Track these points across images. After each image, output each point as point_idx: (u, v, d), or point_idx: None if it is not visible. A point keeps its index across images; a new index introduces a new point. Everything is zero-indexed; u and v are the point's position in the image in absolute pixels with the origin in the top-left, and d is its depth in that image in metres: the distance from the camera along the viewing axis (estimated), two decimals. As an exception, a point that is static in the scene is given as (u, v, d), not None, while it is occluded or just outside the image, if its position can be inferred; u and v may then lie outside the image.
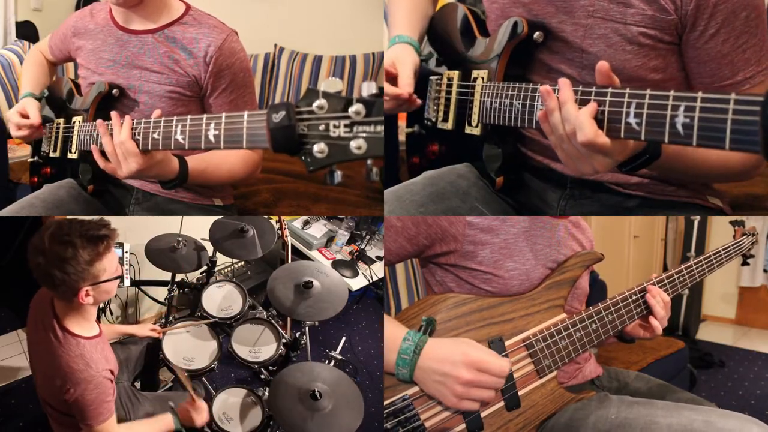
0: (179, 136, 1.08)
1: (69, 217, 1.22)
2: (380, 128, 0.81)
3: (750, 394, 3.06)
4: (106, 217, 1.24)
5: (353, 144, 0.81)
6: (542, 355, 1.08)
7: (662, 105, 0.76)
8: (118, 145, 1.17)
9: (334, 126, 0.83)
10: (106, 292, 1.23)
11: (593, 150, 0.87)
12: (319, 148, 0.84)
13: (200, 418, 1.45)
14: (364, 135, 0.81)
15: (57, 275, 1.13)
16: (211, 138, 1.02)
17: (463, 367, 0.95)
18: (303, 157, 0.87)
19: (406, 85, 1.18)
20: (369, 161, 0.83)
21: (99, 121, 1.21)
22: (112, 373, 1.26)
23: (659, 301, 1.16)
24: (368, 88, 0.81)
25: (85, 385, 1.17)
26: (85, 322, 1.25)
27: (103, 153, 1.24)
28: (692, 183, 1.17)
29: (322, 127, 0.84)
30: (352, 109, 0.81)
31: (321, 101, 0.83)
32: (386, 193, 1.21)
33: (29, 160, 1.62)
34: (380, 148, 0.81)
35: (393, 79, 1.20)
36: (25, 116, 1.47)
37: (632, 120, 0.81)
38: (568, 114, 0.88)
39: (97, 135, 1.26)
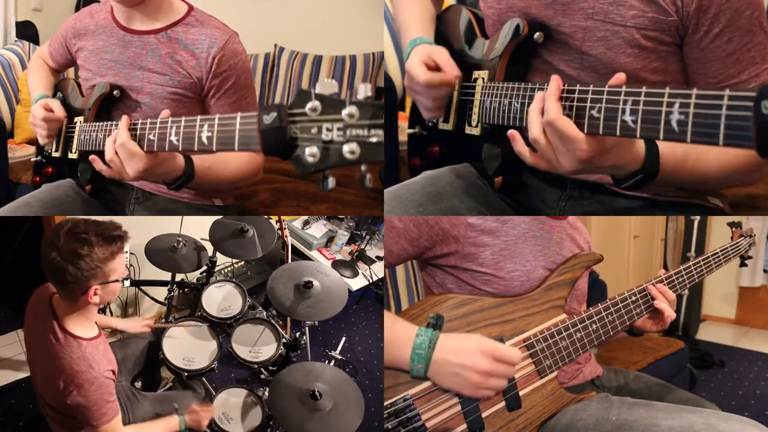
0: (173, 138, 1.07)
1: (83, 217, 1.23)
2: (374, 132, 0.77)
3: (750, 394, 3.06)
4: (114, 218, 1.25)
5: (346, 148, 0.78)
6: (543, 356, 1.08)
7: (658, 102, 0.76)
8: (119, 147, 1.15)
9: (327, 129, 0.80)
10: (112, 292, 1.24)
11: (556, 133, 0.88)
12: (310, 152, 0.80)
13: (207, 421, 1.49)
14: (357, 139, 0.78)
15: (70, 271, 1.14)
16: (204, 140, 1.00)
17: (479, 357, 0.97)
18: (295, 162, 0.83)
19: (452, 68, 1.19)
20: (363, 167, 0.79)
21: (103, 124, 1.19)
22: (113, 373, 1.26)
23: (663, 300, 1.19)
24: (364, 91, 0.78)
25: (88, 387, 1.17)
26: (86, 322, 1.26)
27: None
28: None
29: (314, 130, 0.81)
30: (345, 112, 0.77)
31: (314, 103, 0.80)
32: (386, 193, 1.21)
33: (33, 159, 1.62)
34: (376, 154, 0.78)
35: (434, 69, 1.20)
36: (49, 110, 1.47)
37: (628, 117, 0.81)
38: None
39: (101, 138, 1.26)
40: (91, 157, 1.26)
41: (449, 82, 1.19)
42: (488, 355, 0.97)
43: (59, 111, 1.47)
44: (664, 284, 1.23)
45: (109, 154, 1.18)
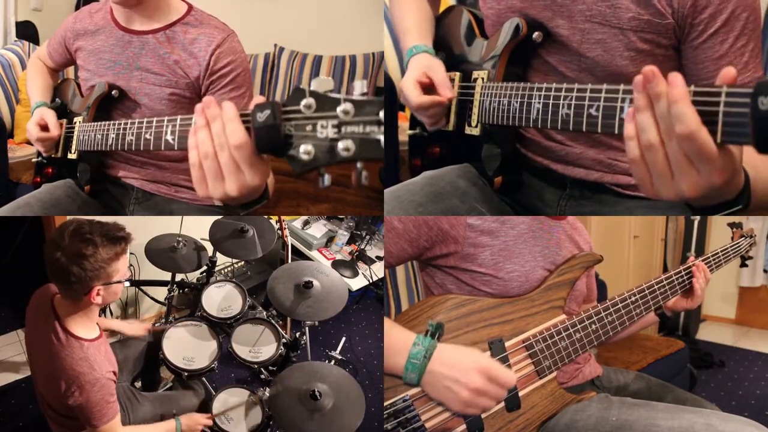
0: (169, 137, 1.07)
1: (87, 217, 1.23)
2: (370, 129, 0.76)
3: (750, 394, 3.06)
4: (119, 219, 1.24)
5: (341, 145, 0.77)
6: (542, 356, 1.08)
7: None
8: (234, 148, 0.83)
9: (322, 126, 0.78)
10: (114, 293, 1.24)
11: (693, 149, 0.69)
12: (305, 150, 0.79)
13: (201, 427, 1.51)
14: (352, 136, 0.77)
15: (74, 271, 1.14)
16: None
17: (474, 374, 0.95)
18: (289, 160, 0.82)
19: (445, 89, 1.19)
20: (359, 164, 0.78)
21: (200, 107, 0.86)
22: (114, 374, 1.26)
23: (703, 279, 1.29)
24: (359, 87, 0.77)
25: (90, 388, 1.18)
26: (88, 323, 1.26)
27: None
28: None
29: (309, 128, 0.79)
30: (340, 109, 0.76)
31: (309, 100, 0.78)
32: (386, 193, 1.21)
33: (34, 160, 1.62)
34: (372, 151, 0.77)
35: (428, 88, 1.20)
36: (44, 127, 1.48)
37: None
38: (663, 109, 0.71)
39: (100, 138, 1.24)
40: (192, 154, 0.87)
41: (441, 104, 1.19)
42: (484, 373, 0.96)
43: (54, 129, 1.48)
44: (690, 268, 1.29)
45: (207, 146, 0.85)
